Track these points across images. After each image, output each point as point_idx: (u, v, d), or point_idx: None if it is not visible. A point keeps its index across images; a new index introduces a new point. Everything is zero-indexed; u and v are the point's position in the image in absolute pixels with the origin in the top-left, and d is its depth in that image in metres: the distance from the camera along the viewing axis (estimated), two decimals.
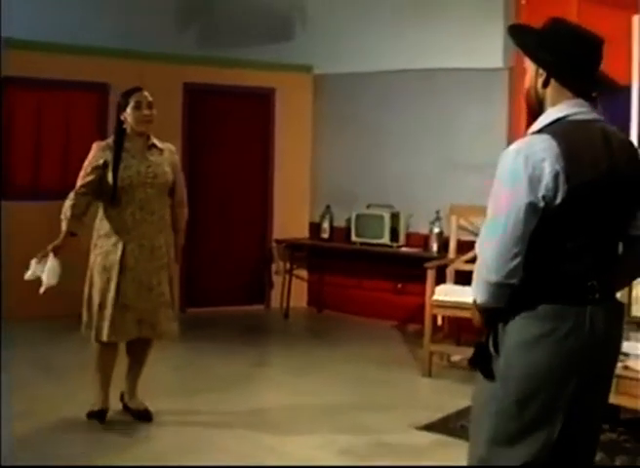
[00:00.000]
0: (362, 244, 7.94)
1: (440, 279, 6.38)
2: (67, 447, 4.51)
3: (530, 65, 2.62)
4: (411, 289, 7.71)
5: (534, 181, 2.39)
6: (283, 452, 4.55)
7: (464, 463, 4.45)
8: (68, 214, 4.72)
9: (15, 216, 7.43)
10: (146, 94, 4.90)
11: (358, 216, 7.98)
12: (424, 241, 7.65)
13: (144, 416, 4.95)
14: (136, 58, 7.79)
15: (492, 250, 2.43)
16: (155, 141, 4.94)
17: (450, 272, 6.61)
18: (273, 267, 8.65)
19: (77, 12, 7.83)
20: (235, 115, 8.48)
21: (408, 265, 7.46)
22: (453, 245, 6.76)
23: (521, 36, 2.66)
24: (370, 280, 8.22)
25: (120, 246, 4.76)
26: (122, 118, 4.87)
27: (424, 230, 7.64)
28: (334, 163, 8.50)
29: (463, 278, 6.64)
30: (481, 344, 2.63)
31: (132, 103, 4.83)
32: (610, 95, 2.76)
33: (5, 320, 6.79)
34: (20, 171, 7.61)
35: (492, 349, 2.58)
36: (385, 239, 7.78)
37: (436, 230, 7.48)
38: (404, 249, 7.78)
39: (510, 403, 2.49)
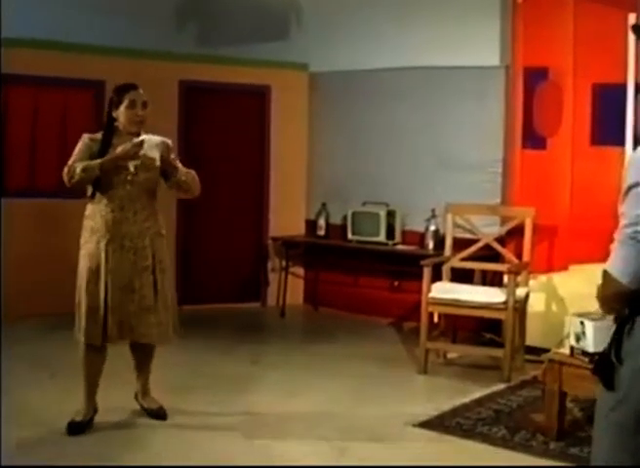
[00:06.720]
0: (358, 241, 7.93)
1: (436, 276, 6.38)
2: (65, 447, 4.50)
3: None
4: (407, 286, 7.71)
5: None
6: (277, 450, 4.55)
7: (461, 461, 4.47)
8: (85, 167, 4.52)
9: (11, 214, 7.43)
10: (142, 92, 4.69)
11: (354, 214, 7.98)
12: (420, 238, 7.65)
13: (158, 415, 4.89)
14: (132, 56, 7.77)
15: (617, 250, 2.37)
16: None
17: (446, 269, 6.62)
18: (269, 265, 8.65)
19: (72, 9, 7.80)
20: (231, 113, 8.47)
21: (404, 263, 7.46)
22: (449, 242, 6.75)
23: None
24: (366, 277, 8.22)
25: (102, 246, 4.59)
26: (114, 115, 4.69)
27: (420, 228, 7.64)
28: (329, 160, 8.50)
29: (459, 275, 6.67)
30: (604, 353, 2.49)
31: (126, 102, 4.63)
32: None
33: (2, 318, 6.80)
34: (15, 168, 7.59)
35: (614, 358, 2.43)
36: (381, 236, 7.78)
37: (432, 228, 7.48)
38: (400, 246, 7.78)
39: (632, 415, 2.38)
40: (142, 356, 4.95)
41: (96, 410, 4.79)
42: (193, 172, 4.91)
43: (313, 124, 8.66)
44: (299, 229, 8.60)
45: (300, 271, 8.73)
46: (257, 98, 8.52)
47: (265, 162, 8.59)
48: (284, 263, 8.50)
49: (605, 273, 2.38)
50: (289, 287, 8.45)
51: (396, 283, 7.98)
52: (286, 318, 8.21)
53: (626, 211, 2.34)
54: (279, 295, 8.46)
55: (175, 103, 8.17)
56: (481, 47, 7.29)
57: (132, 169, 4.65)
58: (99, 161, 4.55)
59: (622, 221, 2.35)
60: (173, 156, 4.83)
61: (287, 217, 8.58)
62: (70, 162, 4.60)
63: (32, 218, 7.53)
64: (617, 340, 2.45)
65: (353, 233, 7.97)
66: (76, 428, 4.65)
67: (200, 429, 4.83)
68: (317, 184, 8.63)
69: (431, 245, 7.46)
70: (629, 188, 2.34)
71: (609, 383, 2.44)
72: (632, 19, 6.17)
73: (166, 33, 8.33)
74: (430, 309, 6.21)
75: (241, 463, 4.35)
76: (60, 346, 6.01)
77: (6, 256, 7.32)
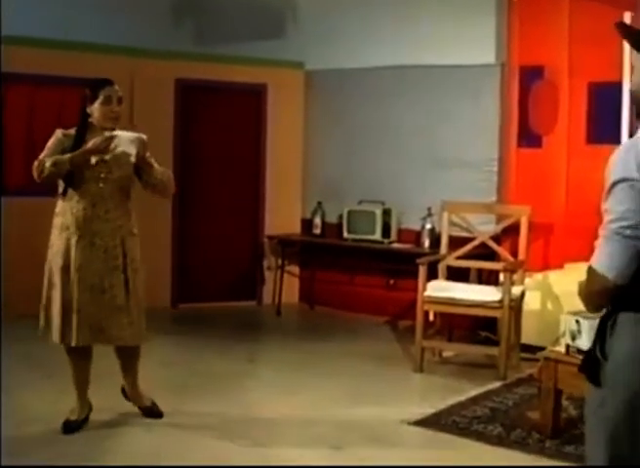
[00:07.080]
0: (354, 240, 7.93)
1: (432, 275, 6.38)
2: (60, 446, 4.50)
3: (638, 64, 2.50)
4: (402, 284, 7.72)
5: (628, 163, 2.30)
6: (273, 449, 4.56)
7: (457, 459, 4.48)
8: (54, 161, 4.46)
9: (10, 213, 7.42)
10: (117, 88, 4.63)
11: (350, 213, 7.98)
12: (416, 237, 7.65)
13: (152, 412, 4.86)
14: (128, 55, 7.76)
15: (602, 246, 2.37)
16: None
17: (441, 268, 6.62)
18: (265, 263, 8.65)
19: (71, 8, 7.79)
20: (227, 111, 8.47)
21: (400, 261, 7.46)
22: (444, 241, 6.76)
23: (631, 34, 2.51)
24: (362, 276, 8.22)
25: (72, 243, 4.52)
26: (88, 111, 4.62)
27: (416, 226, 7.64)
28: (325, 159, 8.50)
29: (455, 274, 6.67)
30: (589, 350, 2.53)
31: (101, 98, 4.55)
32: None
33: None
34: (14, 167, 7.57)
35: (599, 355, 2.46)
36: (377, 235, 7.78)
37: (428, 226, 7.48)
38: (396, 245, 7.79)
39: (620, 409, 2.39)
40: (127, 357, 4.86)
41: (90, 409, 4.79)
42: (169, 171, 4.88)
43: (309, 122, 8.66)
44: (294, 228, 8.60)
45: (296, 270, 8.73)
46: (253, 97, 8.51)
47: (261, 160, 8.59)
48: (280, 262, 8.50)
49: (590, 269, 2.39)
50: (285, 285, 8.45)
51: (392, 281, 7.99)
52: (282, 316, 8.21)
53: (611, 206, 2.34)
54: (275, 294, 8.46)
55: (171, 102, 8.16)
56: (477, 45, 7.30)
57: (92, 161, 4.54)
58: (69, 155, 4.50)
59: (607, 217, 2.35)
60: (148, 154, 4.75)
61: (283, 216, 8.58)
62: (41, 156, 4.54)
63: (31, 217, 7.50)
64: (600, 337, 2.47)
65: (349, 232, 7.97)
66: (71, 427, 4.65)
67: (196, 428, 4.82)
68: (313, 183, 8.62)
69: (427, 243, 7.47)
70: (615, 184, 2.33)
71: (595, 380, 2.47)
72: (628, 17, 6.18)
73: (162, 32, 8.31)
74: (426, 307, 6.22)
75: (237, 463, 4.35)
76: (57, 346, 5.99)
77: (5, 255, 7.32)
